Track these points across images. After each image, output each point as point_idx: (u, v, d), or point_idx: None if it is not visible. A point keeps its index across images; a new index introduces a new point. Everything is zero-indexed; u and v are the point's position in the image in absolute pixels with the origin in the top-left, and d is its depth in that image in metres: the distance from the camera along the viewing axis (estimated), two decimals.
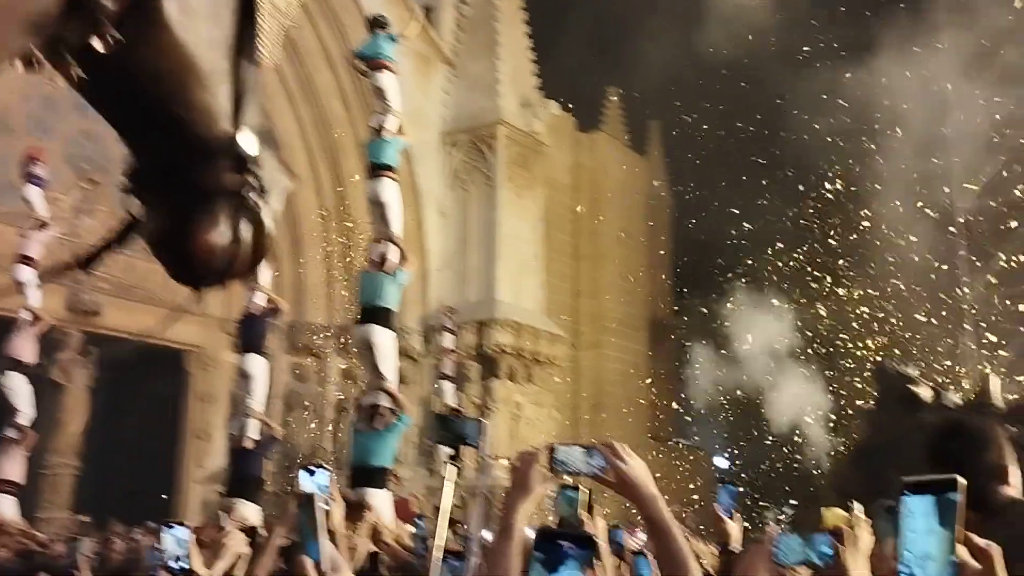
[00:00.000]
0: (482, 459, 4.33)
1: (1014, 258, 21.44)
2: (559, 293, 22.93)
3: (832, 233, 24.22)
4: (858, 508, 3.23)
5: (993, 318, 21.49)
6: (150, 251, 1.26)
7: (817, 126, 22.33)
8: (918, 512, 1.18)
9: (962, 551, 1.23)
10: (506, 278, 19.39)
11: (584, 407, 23.81)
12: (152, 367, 17.78)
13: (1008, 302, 21.68)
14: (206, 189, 1.25)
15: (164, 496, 17.75)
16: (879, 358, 7.16)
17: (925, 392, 6.62)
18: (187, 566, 3.36)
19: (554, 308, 21.75)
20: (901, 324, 22.16)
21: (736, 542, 3.71)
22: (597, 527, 3.20)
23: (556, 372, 20.82)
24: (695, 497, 22.92)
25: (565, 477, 2.34)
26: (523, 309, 19.52)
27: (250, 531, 4.13)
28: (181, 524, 3.51)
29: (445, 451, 3.34)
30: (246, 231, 1.29)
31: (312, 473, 3.00)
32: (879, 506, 2.57)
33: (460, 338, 18.65)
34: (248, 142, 1.25)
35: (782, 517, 26.64)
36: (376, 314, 10.02)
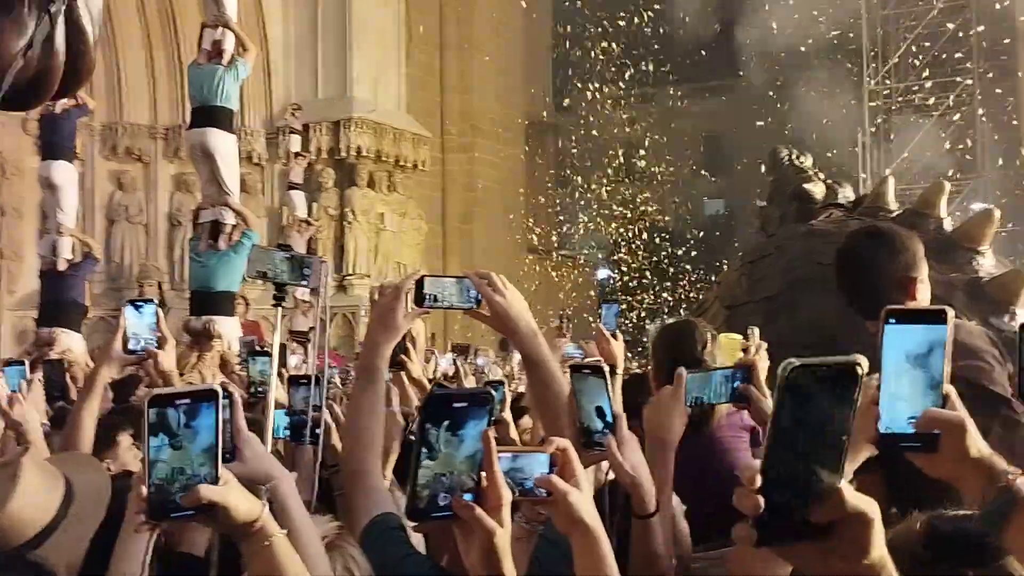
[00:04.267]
0: (320, 299, 4.39)
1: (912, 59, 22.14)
2: (424, 89, 22.53)
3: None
4: (754, 332, 3.51)
5: (883, 122, 22.34)
6: None
7: None
8: (897, 344, 1.22)
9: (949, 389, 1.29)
10: (363, 71, 18.85)
11: (454, 217, 23.97)
12: None
13: (903, 104, 22.53)
14: None
15: None
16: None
17: (818, 189, 6.62)
18: None
19: (419, 106, 21.40)
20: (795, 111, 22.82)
21: (620, 364, 3.84)
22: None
23: (422, 179, 20.77)
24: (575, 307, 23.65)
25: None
26: (383, 107, 19.13)
27: (57, 363, 4.14)
28: (19, 362, 3.47)
29: (274, 289, 3.40)
30: (60, 37, 1.15)
31: (139, 307, 2.93)
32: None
33: (312, 141, 18.33)
34: None
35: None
36: (213, 114, 9.73)
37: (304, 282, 3.34)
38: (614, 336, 3.86)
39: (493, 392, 1.35)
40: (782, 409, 0.99)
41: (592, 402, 2.01)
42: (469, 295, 2.24)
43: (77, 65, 1.20)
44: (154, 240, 18.32)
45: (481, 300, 2.24)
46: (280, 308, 3.49)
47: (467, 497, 1.31)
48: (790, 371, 0.98)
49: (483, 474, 1.32)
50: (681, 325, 3.65)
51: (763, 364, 3.10)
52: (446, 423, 1.29)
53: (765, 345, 3.40)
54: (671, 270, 28.78)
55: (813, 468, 0.97)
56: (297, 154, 17.52)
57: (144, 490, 1.41)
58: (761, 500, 0.98)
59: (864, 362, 1.00)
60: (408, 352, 3.47)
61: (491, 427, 1.31)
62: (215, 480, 1.43)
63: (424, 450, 1.29)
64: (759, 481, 0.99)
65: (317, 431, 3.19)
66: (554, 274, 26.53)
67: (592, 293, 28.49)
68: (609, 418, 2.02)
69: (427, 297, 2.24)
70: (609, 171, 30.64)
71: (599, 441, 2.02)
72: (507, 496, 1.34)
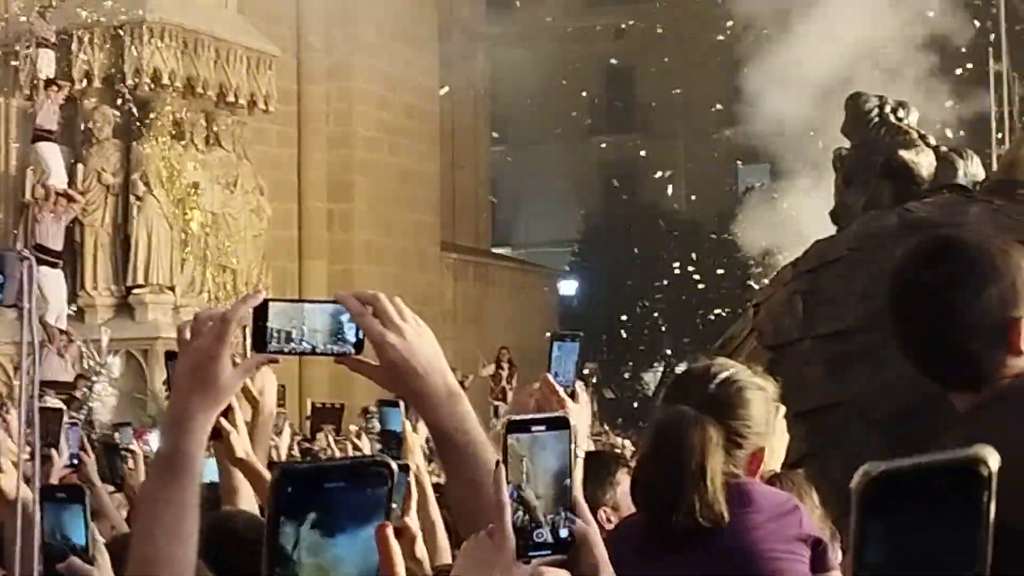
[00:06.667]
0: (26, 326, 3.31)
1: None
2: None
3: None
4: (782, 412, 3.64)
5: None
6: None
7: None
8: None
9: None
10: None
11: (318, 192, 24.35)
12: None
13: None
14: None
15: None
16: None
17: (924, 159, 6.94)
18: None
19: (259, 2, 21.83)
20: None
21: (583, 437, 4.04)
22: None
23: (265, 125, 21.50)
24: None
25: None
26: (199, 3, 19.73)
27: None
28: None
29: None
30: None
31: None
32: None
33: (75, 61, 18.81)
34: None
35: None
36: None
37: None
38: (571, 394, 3.85)
39: (392, 463, 1.32)
40: (866, 544, 1.04)
41: (547, 477, 1.85)
42: (344, 333, 2.24)
43: None
44: None
45: (364, 341, 2.23)
46: (27, 346, 3.26)
47: None
48: (865, 483, 1.03)
49: None
50: (698, 370, 3.71)
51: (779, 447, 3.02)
52: (311, 516, 1.28)
53: (784, 412, 3.54)
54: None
55: None
56: (50, 82, 17.78)
57: None
58: None
59: (992, 456, 1.05)
60: (231, 413, 3.31)
61: (388, 522, 1.30)
62: None
63: (276, 566, 1.27)
64: None
65: (59, 567, 3.12)
66: (490, 287, 26.88)
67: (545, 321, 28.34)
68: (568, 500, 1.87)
69: (274, 335, 2.24)
70: (583, 112, 30.26)
71: (551, 542, 1.82)
72: None
